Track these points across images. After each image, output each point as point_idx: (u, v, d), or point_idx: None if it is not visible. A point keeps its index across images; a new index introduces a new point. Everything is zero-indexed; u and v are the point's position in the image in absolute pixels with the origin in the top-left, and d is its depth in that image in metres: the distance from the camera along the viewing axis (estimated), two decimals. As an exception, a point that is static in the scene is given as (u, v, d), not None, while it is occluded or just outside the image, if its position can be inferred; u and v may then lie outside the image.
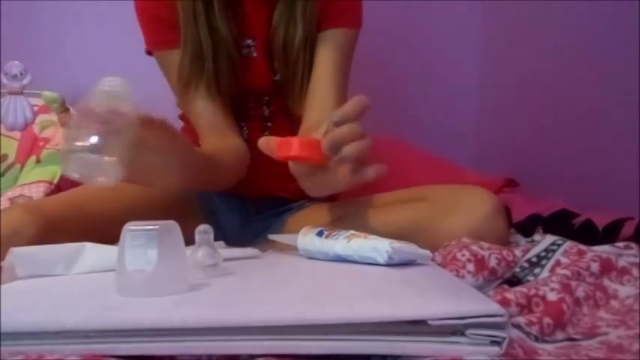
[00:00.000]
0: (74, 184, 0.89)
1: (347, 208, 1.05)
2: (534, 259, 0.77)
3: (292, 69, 1.09)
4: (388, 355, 0.45)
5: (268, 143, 0.80)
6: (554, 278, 0.67)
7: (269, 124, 1.16)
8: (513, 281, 0.74)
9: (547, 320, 0.57)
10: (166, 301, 0.53)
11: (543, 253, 0.78)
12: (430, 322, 0.44)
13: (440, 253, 0.79)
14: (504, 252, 0.77)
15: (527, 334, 0.55)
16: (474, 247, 0.76)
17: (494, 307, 0.46)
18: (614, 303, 0.66)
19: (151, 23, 1.09)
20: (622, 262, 0.72)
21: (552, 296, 0.62)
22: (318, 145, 0.74)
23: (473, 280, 0.72)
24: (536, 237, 0.93)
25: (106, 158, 0.63)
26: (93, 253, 0.73)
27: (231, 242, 0.93)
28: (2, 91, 1.73)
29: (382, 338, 0.45)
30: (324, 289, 0.59)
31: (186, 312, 0.50)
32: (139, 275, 0.56)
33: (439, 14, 2.02)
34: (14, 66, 1.72)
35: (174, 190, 1.05)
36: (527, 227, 0.98)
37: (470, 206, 0.88)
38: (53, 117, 1.74)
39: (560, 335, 0.57)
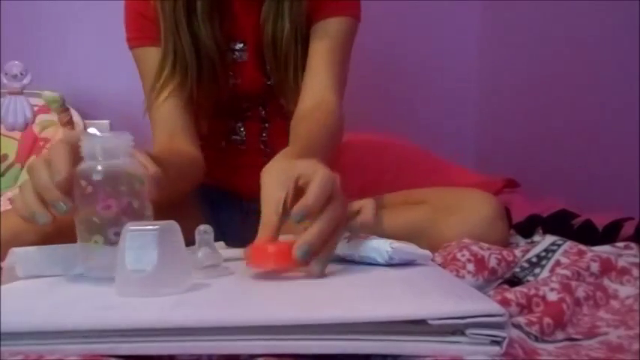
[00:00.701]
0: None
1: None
2: (534, 259, 0.77)
3: (283, 66, 1.07)
4: (388, 355, 0.45)
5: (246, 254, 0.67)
6: (554, 278, 0.67)
7: (266, 125, 1.16)
8: (513, 281, 0.74)
9: (547, 320, 0.57)
10: (166, 301, 0.53)
11: (543, 254, 0.78)
12: (430, 322, 0.44)
13: (440, 254, 0.79)
14: (504, 252, 0.77)
15: (528, 334, 0.55)
16: (474, 248, 0.76)
17: (494, 306, 0.46)
18: (614, 303, 0.66)
19: (134, 19, 1.08)
20: (622, 262, 0.72)
21: (552, 296, 0.62)
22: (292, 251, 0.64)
23: (473, 280, 0.72)
24: (536, 237, 0.93)
25: None
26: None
27: (232, 242, 0.93)
28: (2, 91, 1.74)
29: (382, 338, 0.45)
30: (324, 289, 0.59)
31: (186, 312, 0.50)
32: (139, 275, 0.56)
33: (439, 15, 2.02)
34: (14, 66, 1.73)
35: None
36: (527, 228, 0.98)
37: (470, 209, 0.88)
38: (53, 117, 1.75)
39: (560, 335, 0.57)
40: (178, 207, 1.06)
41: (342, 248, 0.72)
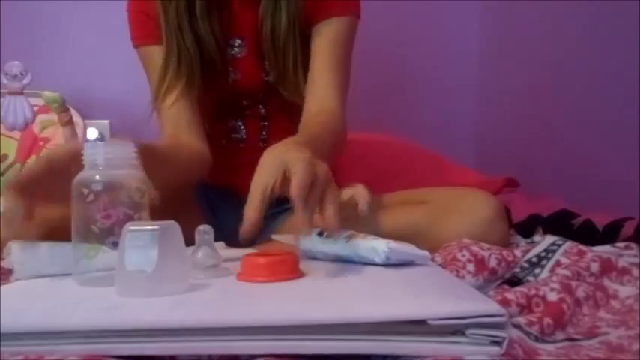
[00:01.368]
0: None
1: (347, 210, 1.05)
2: (534, 259, 0.77)
3: (282, 60, 1.08)
4: (388, 355, 0.45)
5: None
6: (554, 278, 0.67)
7: (265, 123, 1.16)
8: (513, 281, 0.74)
9: (547, 320, 0.57)
10: (166, 301, 0.53)
11: (543, 253, 0.78)
12: (430, 322, 0.44)
13: (440, 254, 0.79)
14: (504, 252, 0.77)
15: (527, 334, 0.55)
16: (474, 248, 0.76)
17: (494, 306, 0.46)
18: (614, 303, 0.66)
19: (138, 18, 1.09)
20: (622, 262, 0.72)
21: (552, 296, 0.62)
22: (284, 262, 0.65)
23: (473, 280, 0.72)
24: (536, 237, 0.93)
25: None
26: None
27: (231, 243, 0.93)
28: (2, 91, 1.74)
29: (382, 338, 0.45)
30: (324, 289, 0.59)
31: (186, 312, 0.50)
32: (139, 275, 0.56)
33: (439, 14, 2.02)
34: (14, 66, 1.73)
35: None
36: (527, 228, 0.98)
37: (471, 210, 0.88)
38: (53, 117, 1.75)
39: (560, 335, 0.57)
40: (178, 207, 1.06)
41: (341, 248, 0.72)
